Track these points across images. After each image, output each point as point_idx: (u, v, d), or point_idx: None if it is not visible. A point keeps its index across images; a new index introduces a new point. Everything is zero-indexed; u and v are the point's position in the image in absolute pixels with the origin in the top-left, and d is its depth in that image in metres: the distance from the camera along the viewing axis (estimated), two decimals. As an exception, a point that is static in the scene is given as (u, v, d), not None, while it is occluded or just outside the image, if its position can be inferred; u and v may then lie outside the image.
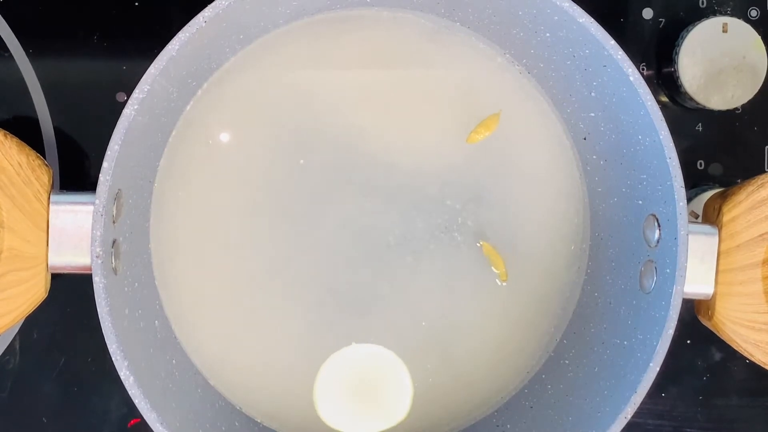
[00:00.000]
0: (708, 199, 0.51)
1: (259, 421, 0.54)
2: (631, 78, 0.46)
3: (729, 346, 0.58)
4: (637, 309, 0.50)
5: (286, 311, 0.54)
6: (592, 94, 0.51)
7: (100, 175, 0.44)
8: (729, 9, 0.58)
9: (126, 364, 0.44)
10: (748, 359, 0.58)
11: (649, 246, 0.49)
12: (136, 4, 0.57)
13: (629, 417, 0.46)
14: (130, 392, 0.44)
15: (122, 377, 0.44)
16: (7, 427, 0.56)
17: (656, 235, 0.48)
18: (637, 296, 0.50)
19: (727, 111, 0.57)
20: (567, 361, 0.54)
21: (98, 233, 0.44)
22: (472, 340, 0.55)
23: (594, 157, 0.54)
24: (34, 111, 0.56)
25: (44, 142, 0.56)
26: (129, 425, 0.56)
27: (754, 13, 0.58)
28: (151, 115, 0.48)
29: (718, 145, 0.58)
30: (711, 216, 0.50)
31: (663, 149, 0.46)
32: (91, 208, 0.44)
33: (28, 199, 0.45)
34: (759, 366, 0.58)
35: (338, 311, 0.54)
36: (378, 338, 0.54)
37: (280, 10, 0.51)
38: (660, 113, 0.46)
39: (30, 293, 0.46)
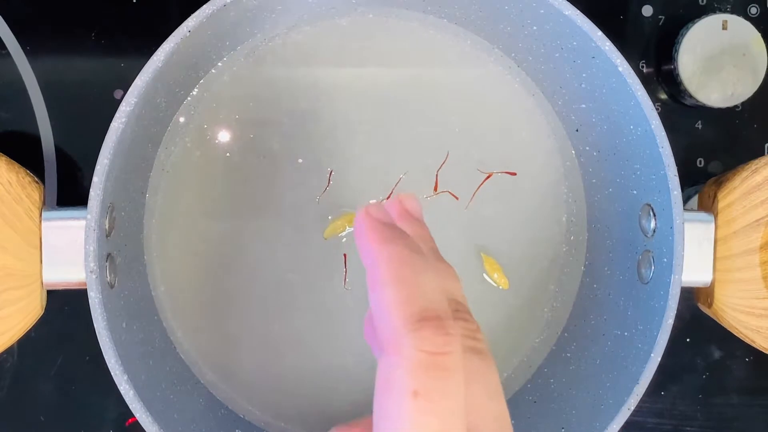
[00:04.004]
0: (703, 187, 0.51)
1: (262, 427, 0.54)
2: (620, 68, 0.46)
3: (729, 345, 0.58)
4: (637, 299, 0.49)
5: (287, 316, 0.54)
6: (582, 85, 0.51)
7: (91, 190, 0.44)
8: (729, 6, 0.58)
9: (126, 377, 0.44)
10: (747, 357, 0.58)
11: (646, 236, 0.49)
12: (134, 1, 0.57)
13: (632, 408, 0.46)
14: (131, 406, 0.44)
15: (122, 391, 0.44)
16: (5, 426, 0.56)
17: (652, 225, 0.48)
18: (635, 287, 0.50)
19: (727, 108, 0.57)
20: (569, 354, 0.54)
21: (92, 248, 0.44)
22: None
23: (587, 148, 0.54)
24: (32, 108, 0.56)
25: (42, 139, 0.56)
26: (127, 424, 0.56)
27: (753, 10, 0.58)
28: (140, 126, 0.48)
29: (717, 143, 0.58)
30: (706, 203, 0.50)
31: (655, 138, 0.46)
32: (83, 223, 0.44)
33: (19, 217, 0.45)
34: (759, 365, 0.58)
35: (341, 314, 0.54)
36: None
37: (264, 15, 0.51)
38: (650, 103, 0.46)
39: (26, 311, 0.46)
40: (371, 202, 0.54)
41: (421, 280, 0.31)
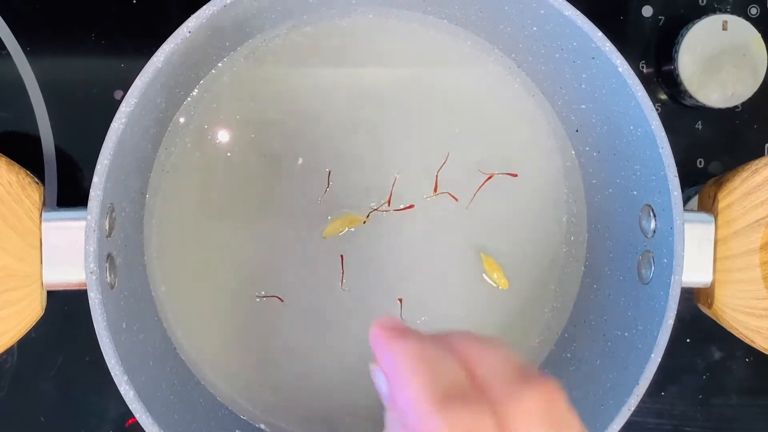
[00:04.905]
0: (703, 187, 0.51)
1: (262, 428, 0.54)
2: (620, 69, 0.46)
3: (729, 345, 0.58)
4: (637, 300, 0.49)
5: (287, 316, 0.54)
6: (582, 86, 0.51)
7: (91, 190, 0.44)
8: (729, 6, 0.58)
9: (126, 378, 0.44)
10: (747, 358, 0.58)
11: (646, 236, 0.49)
12: (134, 1, 0.57)
13: (632, 409, 0.46)
14: (131, 407, 0.44)
15: (122, 392, 0.44)
16: (5, 426, 0.56)
17: (652, 226, 0.48)
18: (636, 287, 0.50)
19: (727, 109, 0.57)
20: (569, 355, 0.54)
21: (92, 249, 0.44)
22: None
23: (587, 148, 0.54)
24: (32, 109, 0.56)
25: (42, 139, 0.56)
26: (127, 424, 0.56)
27: (753, 10, 0.58)
28: (140, 126, 0.48)
29: (717, 143, 0.58)
30: (706, 204, 0.50)
31: (655, 139, 0.46)
32: (83, 223, 0.44)
33: (19, 218, 0.45)
34: (759, 366, 0.58)
35: (340, 315, 0.54)
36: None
37: (264, 15, 0.51)
38: (650, 103, 0.46)
39: (26, 312, 0.46)
40: (372, 205, 0.54)
41: (440, 364, 0.31)
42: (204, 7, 0.45)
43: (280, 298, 0.53)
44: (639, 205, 0.49)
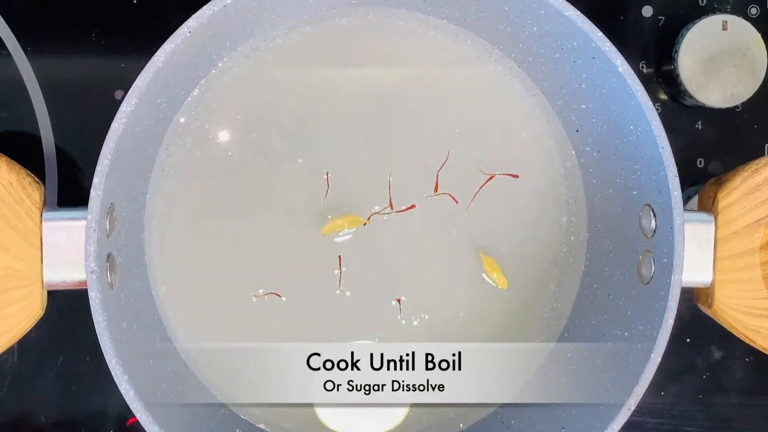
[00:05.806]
0: (703, 187, 0.51)
1: (261, 428, 0.54)
2: (620, 69, 0.46)
3: (729, 345, 0.58)
4: (637, 300, 0.50)
5: (287, 317, 0.54)
6: (582, 86, 0.51)
7: (92, 190, 0.44)
8: (729, 7, 0.58)
9: (126, 378, 0.44)
10: (747, 358, 0.58)
11: (646, 236, 0.49)
12: (134, 1, 0.57)
13: (632, 409, 0.46)
14: (131, 406, 0.44)
15: (122, 392, 0.44)
16: (5, 426, 0.56)
17: (652, 225, 0.48)
18: (636, 287, 0.50)
19: (727, 109, 0.57)
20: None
21: (92, 248, 0.44)
22: (472, 336, 0.55)
23: (587, 148, 0.54)
24: (32, 109, 0.56)
25: (42, 139, 0.56)
26: (128, 424, 0.56)
27: (753, 10, 0.58)
28: (141, 126, 0.48)
29: (718, 143, 0.59)
30: (706, 203, 0.50)
31: (655, 139, 0.46)
32: (83, 223, 0.44)
33: (20, 218, 0.45)
34: (759, 365, 0.58)
35: (340, 315, 0.54)
36: (383, 338, 0.54)
37: (265, 16, 0.51)
38: (650, 103, 0.46)
39: (26, 311, 0.46)
40: (375, 208, 0.54)
41: None
42: (204, 6, 0.45)
43: (278, 295, 0.53)
44: (639, 205, 0.49)
